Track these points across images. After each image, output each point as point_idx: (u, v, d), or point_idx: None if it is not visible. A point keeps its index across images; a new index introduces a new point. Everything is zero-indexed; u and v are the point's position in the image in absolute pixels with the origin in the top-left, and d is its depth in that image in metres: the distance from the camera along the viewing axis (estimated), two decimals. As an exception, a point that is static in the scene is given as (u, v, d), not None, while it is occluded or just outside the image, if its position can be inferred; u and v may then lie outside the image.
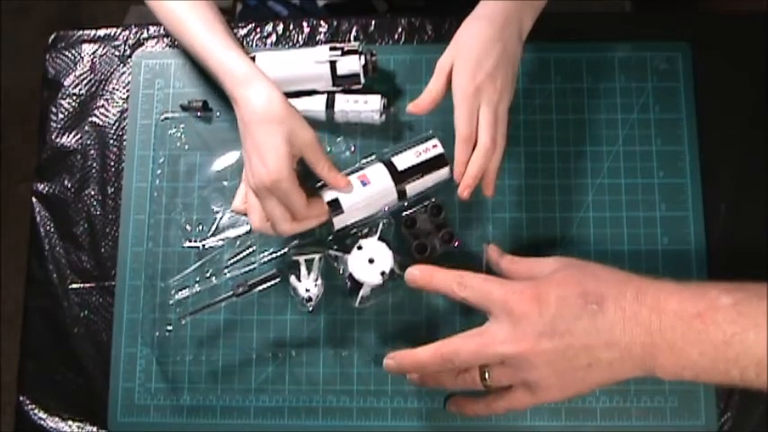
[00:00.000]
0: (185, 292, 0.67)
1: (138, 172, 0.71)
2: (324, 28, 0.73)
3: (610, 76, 0.70)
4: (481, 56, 0.58)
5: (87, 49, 0.75)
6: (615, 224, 0.67)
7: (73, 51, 0.75)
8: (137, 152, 0.71)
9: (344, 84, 0.68)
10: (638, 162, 0.68)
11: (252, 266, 0.66)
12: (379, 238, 0.61)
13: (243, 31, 0.74)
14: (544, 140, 0.69)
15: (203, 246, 0.68)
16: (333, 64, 0.67)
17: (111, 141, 0.72)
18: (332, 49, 0.67)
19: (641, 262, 0.66)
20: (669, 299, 0.47)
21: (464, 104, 0.58)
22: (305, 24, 0.73)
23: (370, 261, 0.60)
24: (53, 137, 0.73)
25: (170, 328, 0.67)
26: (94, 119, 0.73)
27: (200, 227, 0.68)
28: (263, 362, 0.66)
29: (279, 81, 0.63)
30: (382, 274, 0.59)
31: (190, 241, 0.68)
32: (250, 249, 0.67)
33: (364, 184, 0.62)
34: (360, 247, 0.60)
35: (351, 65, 0.67)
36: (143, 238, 0.69)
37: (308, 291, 0.62)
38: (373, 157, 0.66)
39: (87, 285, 0.70)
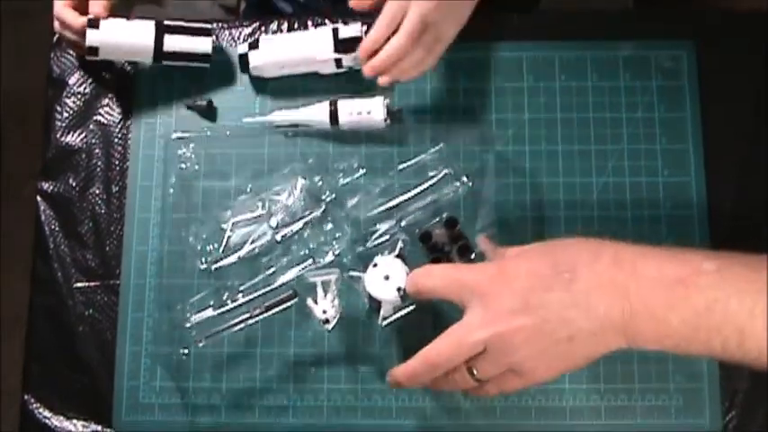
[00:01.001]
0: (202, 315, 0.64)
1: (143, 171, 0.71)
2: (329, 26, 0.73)
3: (614, 74, 0.70)
4: None
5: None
6: (620, 223, 0.67)
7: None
8: (141, 151, 0.71)
9: (345, 48, 0.68)
10: (642, 161, 0.68)
11: (268, 288, 0.64)
12: (396, 255, 0.60)
13: (248, 30, 0.74)
14: (549, 139, 0.69)
15: (214, 268, 0.67)
16: (335, 31, 0.68)
17: (116, 140, 0.72)
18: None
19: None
20: (648, 263, 0.46)
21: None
22: (309, 23, 0.73)
23: (386, 278, 0.58)
24: (58, 136, 0.73)
25: (186, 351, 0.65)
26: (99, 118, 0.73)
27: (211, 246, 0.67)
28: (267, 360, 0.66)
29: (282, 62, 0.67)
30: (398, 290, 0.58)
31: (203, 263, 0.67)
32: (269, 271, 0.66)
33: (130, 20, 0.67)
34: (375, 265, 0.59)
35: (352, 30, 0.68)
36: (148, 237, 0.69)
37: (325, 312, 0.61)
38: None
39: (92, 284, 0.70)
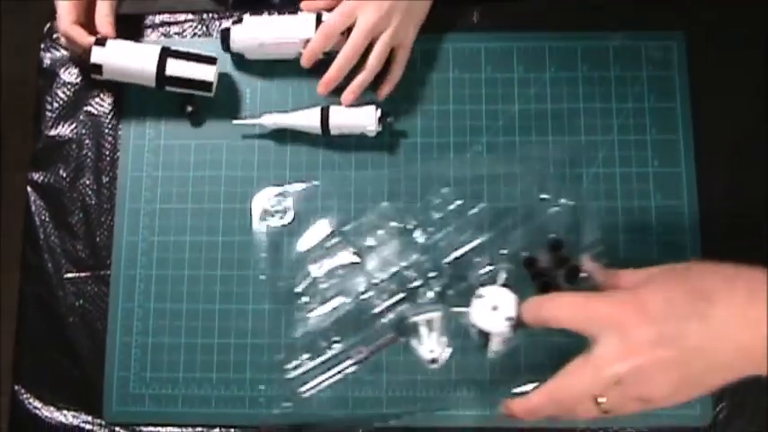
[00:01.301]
0: (302, 368, 0.64)
1: (134, 161, 0.71)
2: (319, 18, 0.73)
3: (605, 65, 0.70)
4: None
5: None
6: (610, 213, 0.67)
7: (68, 41, 0.75)
8: (132, 141, 0.71)
9: None
10: (632, 151, 0.68)
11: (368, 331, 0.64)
12: (501, 284, 0.58)
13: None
14: (539, 130, 0.69)
15: (309, 317, 0.66)
16: (319, 15, 0.68)
17: (107, 131, 0.72)
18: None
19: (636, 251, 0.66)
20: None
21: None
22: (299, 12, 0.73)
23: (494, 308, 0.55)
24: (48, 126, 0.73)
25: (289, 404, 0.64)
26: (90, 108, 0.73)
27: (306, 296, 0.65)
28: (258, 351, 0.66)
29: (263, 39, 0.68)
30: (508, 319, 0.55)
31: (298, 309, 0.65)
32: (376, 310, 0.64)
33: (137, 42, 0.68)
34: (480, 296, 0.56)
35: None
36: (138, 228, 0.69)
37: (431, 352, 0.59)
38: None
39: (82, 275, 0.70)
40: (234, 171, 0.70)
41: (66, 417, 0.67)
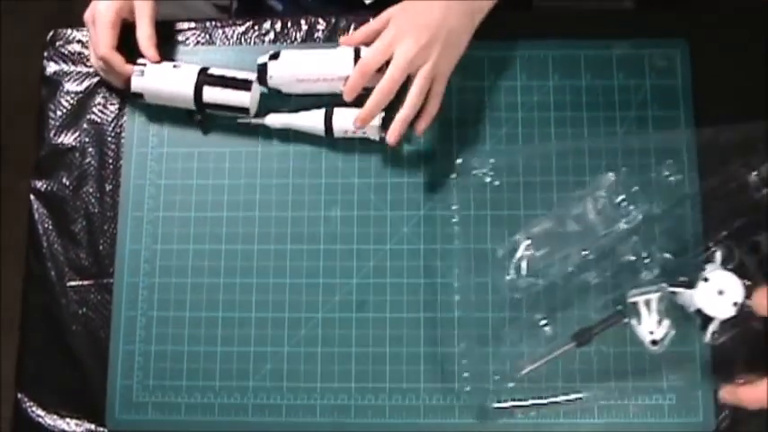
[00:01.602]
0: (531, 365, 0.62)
1: (136, 169, 0.71)
2: (322, 26, 0.73)
3: (608, 73, 0.70)
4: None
5: (86, 46, 0.75)
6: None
7: (71, 49, 0.75)
8: (135, 150, 0.71)
9: None
10: (636, 159, 0.68)
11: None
12: (725, 268, 0.58)
13: (241, 29, 0.74)
14: (542, 138, 0.69)
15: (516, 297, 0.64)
16: (357, 51, 0.67)
17: (110, 139, 0.72)
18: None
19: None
20: None
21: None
22: (302, 22, 0.73)
23: (720, 293, 0.56)
24: (51, 134, 0.73)
25: (512, 384, 0.63)
26: (93, 116, 0.73)
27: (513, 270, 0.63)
28: (260, 360, 0.66)
29: (301, 75, 0.66)
30: (735, 305, 0.56)
31: (507, 276, 0.63)
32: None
33: (175, 66, 0.68)
34: (706, 279, 0.57)
35: None
36: (141, 236, 0.69)
37: (651, 333, 0.59)
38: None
39: (85, 283, 0.70)
40: (237, 179, 0.70)
41: (70, 425, 0.67)
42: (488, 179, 0.68)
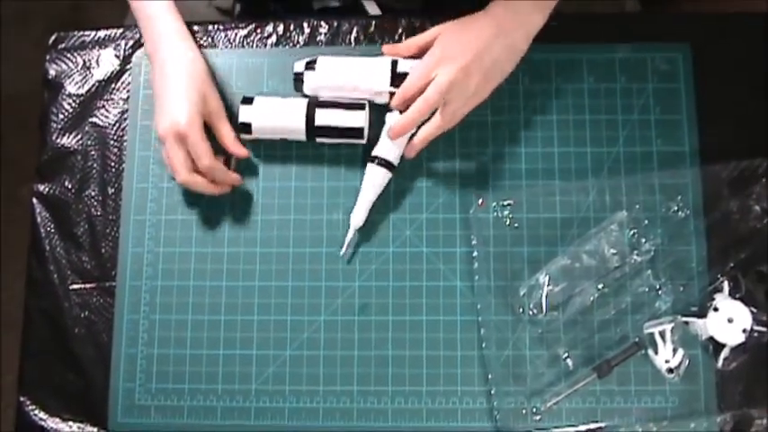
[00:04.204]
0: (555, 398, 0.64)
1: (139, 173, 0.71)
2: (324, 29, 0.73)
3: (610, 77, 0.70)
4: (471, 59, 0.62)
5: (88, 49, 0.75)
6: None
7: (73, 52, 0.75)
8: (137, 153, 0.71)
9: (402, 82, 0.65)
10: (638, 163, 0.68)
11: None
12: (733, 297, 0.62)
13: (243, 32, 0.74)
14: (545, 141, 0.69)
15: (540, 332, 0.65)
16: (394, 63, 0.66)
17: (112, 142, 0.72)
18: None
19: (643, 262, 0.66)
20: None
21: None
22: (305, 25, 0.73)
23: (729, 321, 0.61)
24: (54, 137, 0.73)
25: (538, 417, 0.64)
26: (95, 119, 0.73)
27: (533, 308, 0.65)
28: (263, 363, 0.66)
29: (337, 86, 0.66)
30: (744, 331, 0.61)
31: (529, 313, 0.65)
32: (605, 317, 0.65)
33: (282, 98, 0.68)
34: (716, 309, 0.61)
35: (411, 64, 0.65)
36: (143, 239, 0.69)
37: (667, 362, 0.62)
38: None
39: (88, 286, 0.70)
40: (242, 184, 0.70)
41: (72, 428, 0.67)
42: (506, 212, 0.68)
